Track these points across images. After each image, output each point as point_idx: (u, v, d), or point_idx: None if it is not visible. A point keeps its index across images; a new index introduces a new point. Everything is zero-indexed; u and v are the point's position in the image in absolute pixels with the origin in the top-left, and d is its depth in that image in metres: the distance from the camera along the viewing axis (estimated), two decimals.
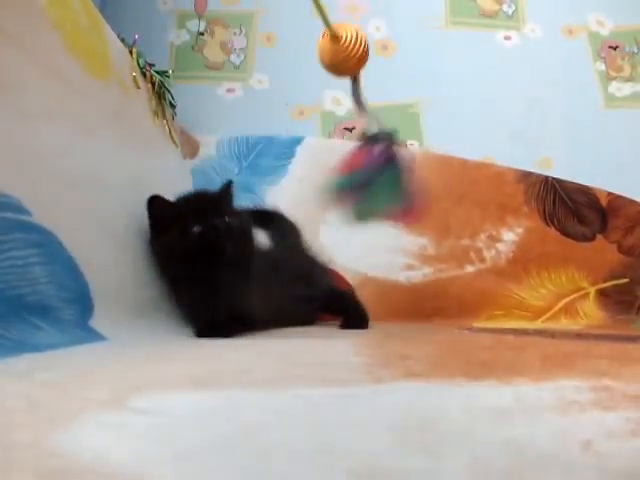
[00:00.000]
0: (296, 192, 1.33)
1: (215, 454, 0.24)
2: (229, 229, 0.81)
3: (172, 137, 1.16)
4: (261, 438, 0.26)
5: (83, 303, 0.65)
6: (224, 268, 0.80)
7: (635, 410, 0.29)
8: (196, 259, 0.78)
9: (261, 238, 1.00)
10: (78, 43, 0.78)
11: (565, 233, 1.36)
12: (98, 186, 0.76)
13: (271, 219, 1.12)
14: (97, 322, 0.64)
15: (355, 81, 0.80)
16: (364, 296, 1.26)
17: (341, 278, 1.23)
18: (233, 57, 1.58)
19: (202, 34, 1.59)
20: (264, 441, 0.25)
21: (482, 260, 1.34)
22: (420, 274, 1.31)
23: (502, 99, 1.54)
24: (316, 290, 1.01)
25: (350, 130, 1.52)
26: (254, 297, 0.83)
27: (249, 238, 0.88)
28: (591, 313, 1.28)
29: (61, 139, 0.69)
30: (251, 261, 0.85)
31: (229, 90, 1.55)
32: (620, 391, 0.34)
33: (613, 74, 1.56)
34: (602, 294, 1.30)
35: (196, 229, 0.79)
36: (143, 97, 1.05)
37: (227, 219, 0.82)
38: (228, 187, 0.89)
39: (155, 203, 0.83)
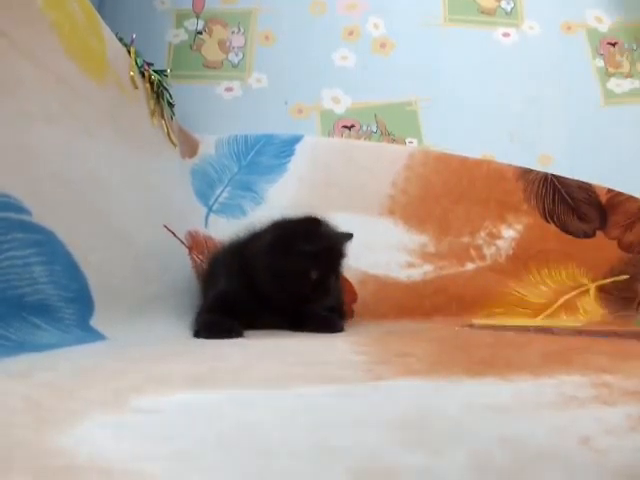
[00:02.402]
0: (296, 190, 1.33)
1: (214, 453, 0.24)
2: (329, 288, 0.83)
3: (170, 136, 1.16)
4: (260, 436, 0.26)
5: (83, 302, 0.65)
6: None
7: (635, 406, 0.29)
8: (286, 296, 0.80)
9: None
10: (75, 44, 0.77)
11: (565, 230, 1.36)
12: (97, 186, 0.76)
13: None
14: (98, 321, 0.64)
15: None
16: (364, 294, 1.27)
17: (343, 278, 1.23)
18: (231, 56, 1.58)
19: (200, 33, 1.59)
20: (263, 439, 0.25)
21: (482, 257, 1.34)
22: (420, 272, 1.31)
23: (501, 96, 1.54)
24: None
25: (349, 128, 1.52)
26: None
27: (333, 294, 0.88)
28: (591, 310, 1.27)
29: (59, 139, 0.69)
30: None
31: (228, 89, 1.55)
32: (620, 387, 0.34)
33: (612, 70, 1.56)
34: (602, 291, 1.30)
35: (314, 275, 0.80)
36: (141, 97, 1.05)
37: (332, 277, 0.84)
38: (348, 239, 0.91)
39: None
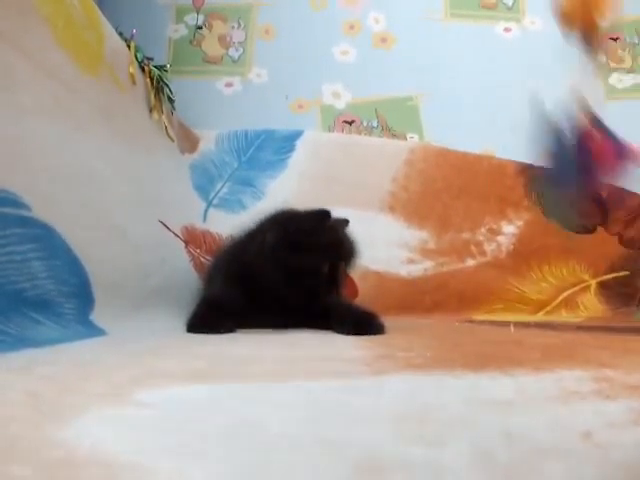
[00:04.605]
0: (296, 186, 1.32)
1: (215, 446, 0.24)
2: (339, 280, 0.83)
3: (168, 132, 1.16)
4: (261, 430, 0.26)
5: (83, 297, 0.65)
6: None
7: (635, 400, 0.29)
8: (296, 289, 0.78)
9: None
10: (70, 38, 0.77)
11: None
12: (92, 180, 0.76)
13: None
14: (97, 316, 0.64)
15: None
16: (365, 289, 1.27)
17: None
18: (232, 51, 1.57)
19: (200, 28, 1.59)
20: (264, 433, 0.25)
21: (482, 253, 1.34)
22: (421, 268, 1.31)
23: (502, 91, 1.53)
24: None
25: (349, 123, 1.52)
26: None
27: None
28: (591, 306, 1.28)
29: (54, 134, 0.69)
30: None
31: (228, 84, 1.55)
32: (621, 381, 0.34)
33: (614, 65, 1.55)
34: (603, 286, 1.30)
35: (325, 268, 0.80)
36: (139, 92, 1.05)
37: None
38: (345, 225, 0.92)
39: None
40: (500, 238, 1.35)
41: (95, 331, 0.62)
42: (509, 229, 1.35)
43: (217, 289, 0.85)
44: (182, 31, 1.59)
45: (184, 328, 0.75)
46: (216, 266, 0.94)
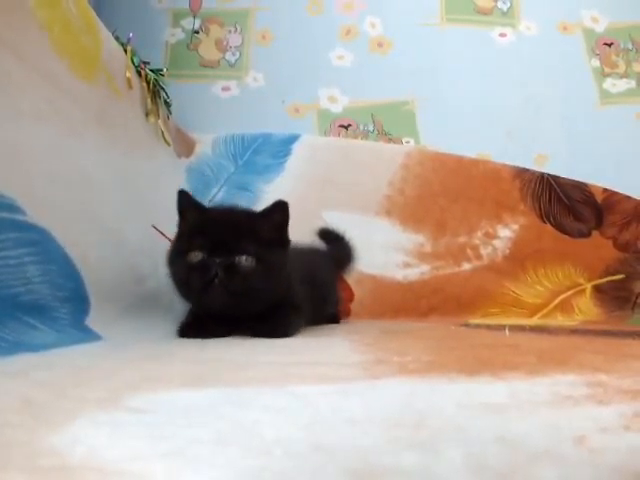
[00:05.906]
0: (293, 190, 1.32)
1: (210, 451, 0.24)
2: (231, 273, 0.68)
3: (164, 136, 1.16)
4: (256, 436, 0.26)
5: (79, 302, 0.64)
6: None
7: (629, 405, 0.29)
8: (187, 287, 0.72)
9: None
10: (67, 43, 0.77)
11: (561, 230, 1.36)
12: (87, 184, 0.76)
13: (336, 238, 1.13)
14: (93, 321, 0.64)
15: None
16: (361, 293, 1.27)
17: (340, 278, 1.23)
18: (228, 55, 1.58)
19: (197, 32, 1.59)
20: (259, 438, 0.25)
21: (479, 257, 1.34)
22: (417, 272, 1.31)
23: (497, 96, 1.54)
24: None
25: (346, 127, 1.52)
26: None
27: (262, 282, 0.71)
28: (586, 309, 1.28)
29: (48, 138, 0.69)
30: (260, 300, 0.73)
31: (225, 88, 1.55)
32: (614, 386, 0.34)
33: (608, 70, 1.57)
34: (598, 290, 1.31)
35: (194, 257, 0.69)
36: (135, 96, 1.05)
37: (242, 259, 0.69)
38: (277, 209, 0.75)
39: (182, 198, 0.75)
40: (496, 242, 1.35)
41: (90, 336, 0.62)
42: (505, 233, 1.36)
43: None
44: (179, 35, 1.59)
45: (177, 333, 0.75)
46: None
